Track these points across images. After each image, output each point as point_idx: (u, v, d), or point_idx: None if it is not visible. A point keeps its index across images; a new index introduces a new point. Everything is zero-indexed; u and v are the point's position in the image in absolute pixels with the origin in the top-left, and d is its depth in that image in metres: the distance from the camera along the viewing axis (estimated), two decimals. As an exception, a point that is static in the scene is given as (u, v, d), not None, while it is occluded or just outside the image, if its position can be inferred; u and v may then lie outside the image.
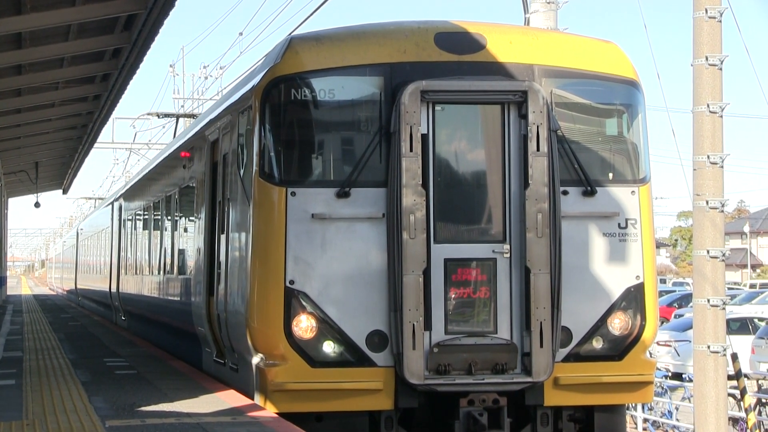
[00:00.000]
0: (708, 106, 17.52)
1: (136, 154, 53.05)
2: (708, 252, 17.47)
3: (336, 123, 11.62)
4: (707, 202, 17.52)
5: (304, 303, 10.98)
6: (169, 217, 18.84)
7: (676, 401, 23.35)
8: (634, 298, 11.53)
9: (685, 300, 44.37)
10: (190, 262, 15.89)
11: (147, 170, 23.34)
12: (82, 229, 46.54)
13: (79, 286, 46.58)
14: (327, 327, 10.99)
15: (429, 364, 10.99)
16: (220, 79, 44.94)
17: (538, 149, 11.15)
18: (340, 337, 11.01)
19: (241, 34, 38.48)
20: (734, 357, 18.08)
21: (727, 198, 17.93)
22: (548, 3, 18.32)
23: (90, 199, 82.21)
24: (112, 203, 30.89)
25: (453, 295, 11.15)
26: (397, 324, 10.90)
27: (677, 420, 22.45)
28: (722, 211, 17.76)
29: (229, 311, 12.53)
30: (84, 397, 12.44)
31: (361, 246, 11.09)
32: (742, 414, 19.88)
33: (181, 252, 17.12)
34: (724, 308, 17.72)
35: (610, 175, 11.74)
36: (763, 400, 22.09)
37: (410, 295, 10.90)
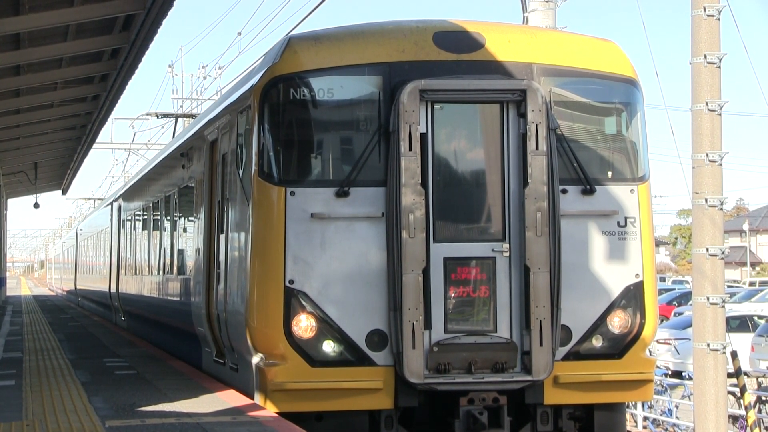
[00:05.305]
0: (707, 104, 17.51)
1: (135, 154, 53.10)
2: (707, 250, 17.46)
3: (335, 122, 11.62)
4: (706, 200, 17.51)
5: (303, 302, 10.99)
6: (168, 218, 18.85)
7: (676, 399, 23.36)
8: (633, 297, 11.53)
9: (684, 298, 44.36)
10: (190, 262, 15.89)
11: (146, 170, 23.34)
12: (81, 230, 46.54)
13: (78, 287, 46.59)
14: (327, 326, 11.00)
15: (429, 363, 10.99)
16: (218, 79, 44.89)
17: (537, 148, 11.16)
18: (340, 337, 11.01)
19: (239, 33, 38.31)
20: (734, 355, 18.08)
21: (726, 196, 17.92)
22: (547, 2, 18.32)
23: (89, 199, 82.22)
24: (111, 203, 30.89)
25: (452, 294, 11.16)
26: (396, 323, 10.90)
27: (677, 418, 22.46)
28: (721, 209, 17.75)
29: (228, 311, 12.53)
30: (84, 398, 12.45)
31: (360, 245, 11.09)
32: (742, 412, 19.87)
33: (181, 252, 17.12)
34: (723, 306, 17.70)
35: (609, 173, 11.75)
36: (763, 398, 22.09)
37: (410, 294, 10.90)
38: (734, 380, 19.01)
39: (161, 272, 19.22)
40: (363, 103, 11.42)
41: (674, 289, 52.92)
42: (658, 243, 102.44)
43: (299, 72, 11.28)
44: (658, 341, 29.73)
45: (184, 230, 17.06)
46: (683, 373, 27.87)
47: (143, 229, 23.24)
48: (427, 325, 10.99)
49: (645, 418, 22.76)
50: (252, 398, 11.70)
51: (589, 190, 11.50)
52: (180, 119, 37.01)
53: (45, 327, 28.50)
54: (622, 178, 11.74)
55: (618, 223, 11.57)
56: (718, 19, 17.59)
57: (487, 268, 11.20)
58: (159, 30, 18.36)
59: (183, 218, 17.43)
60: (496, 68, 11.39)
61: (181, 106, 47.13)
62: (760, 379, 26.32)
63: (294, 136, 11.49)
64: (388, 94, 11.17)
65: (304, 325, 10.98)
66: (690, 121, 17.87)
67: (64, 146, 36.23)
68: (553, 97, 11.49)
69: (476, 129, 11.59)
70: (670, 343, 30.90)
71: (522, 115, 11.22)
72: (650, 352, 12.04)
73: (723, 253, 17.57)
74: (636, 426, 22.54)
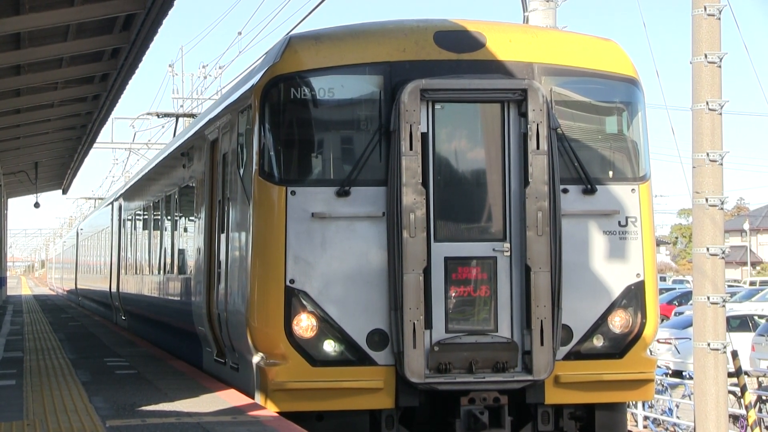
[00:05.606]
0: (707, 103, 17.50)
1: (135, 154, 53.08)
2: (708, 249, 17.46)
3: (336, 122, 11.62)
4: (707, 200, 17.50)
5: (304, 302, 10.98)
6: (169, 217, 18.84)
7: (677, 399, 23.35)
8: (634, 296, 11.52)
9: (685, 298, 44.33)
10: (190, 261, 15.89)
11: (147, 170, 23.34)
12: (82, 229, 46.55)
13: (79, 286, 46.58)
14: (327, 326, 10.99)
15: (430, 363, 10.98)
16: (219, 78, 44.96)
17: (538, 147, 11.15)
18: (341, 336, 11.01)
19: (240, 33, 38.35)
20: (734, 354, 18.07)
21: (727, 195, 17.90)
22: (547, 1, 18.32)
23: (90, 199, 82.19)
24: (111, 203, 30.90)
25: (453, 294, 11.15)
26: (397, 323, 10.90)
27: (678, 417, 22.46)
28: (722, 209, 17.74)
29: (229, 311, 12.53)
30: (84, 397, 12.44)
31: (361, 245, 11.08)
32: (743, 411, 19.87)
33: (181, 252, 17.12)
34: (724, 306, 17.69)
35: (610, 173, 11.74)
36: (764, 398, 22.08)
37: (410, 293, 10.90)
38: (735, 380, 19.01)
39: (162, 272, 19.22)
40: (364, 102, 11.41)
41: (675, 289, 52.90)
42: (659, 242, 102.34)
43: (300, 71, 11.28)
44: (658, 341, 29.70)
45: (185, 230, 17.06)
46: (684, 373, 27.85)
47: (144, 228, 23.24)
48: (428, 324, 10.98)
49: (645, 418, 22.76)
50: (252, 398, 11.70)
51: (590, 190, 11.50)
52: (180, 119, 37.00)
53: (45, 327, 28.50)
54: (623, 177, 11.73)
55: (619, 222, 11.57)
56: (719, 19, 17.58)
57: (487, 268, 11.19)
58: (159, 30, 18.37)
59: (183, 218, 17.43)
60: (496, 68, 11.38)
61: (182, 106, 47.15)
62: (760, 379, 26.30)
63: (295, 136, 11.48)
64: (389, 94, 11.16)
65: (304, 324, 10.98)
66: (690, 121, 17.86)
67: (64, 146, 36.22)
68: (554, 97, 11.49)
69: (477, 128, 11.58)
70: (670, 343, 30.89)
71: (523, 114, 11.21)
72: (650, 351, 12.03)
73: (723, 252, 17.56)
74: (636, 425, 22.53)
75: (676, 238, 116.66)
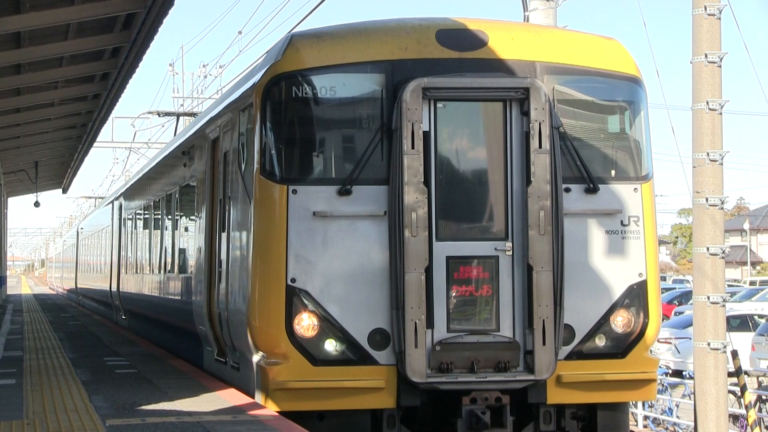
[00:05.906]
0: (707, 103, 17.48)
1: (135, 153, 53.09)
2: (708, 249, 17.44)
3: (337, 120, 11.59)
4: (707, 200, 17.48)
5: (305, 301, 10.96)
6: (169, 216, 18.83)
7: (677, 398, 23.35)
8: (636, 296, 11.51)
9: (685, 297, 44.33)
10: (191, 260, 15.87)
11: (147, 169, 23.32)
12: (82, 229, 46.53)
13: (79, 286, 46.57)
14: (328, 325, 10.97)
15: (431, 362, 10.96)
16: (219, 77, 44.99)
17: (540, 146, 11.13)
18: (342, 336, 10.99)
19: (240, 32, 38.28)
20: (734, 354, 18.06)
21: (727, 195, 17.89)
22: (547, 0, 18.29)
23: (90, 198, 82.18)
24: (112, 202, 30.87)
25: (455, 293, 11.13)
26: (399, 322, 10.88)
27: (678, 417, 22.45)
28: (722, 209, 17.72)
29: (230, 310, 12.51)
30: (84, 397, 12.43)
31: (362, 244, 11.06)
32: (743, 411, 19.86)
33: (182, 251, 17.10)
34: (724, 305, 17.67)
35: (613, 172, 11.72)
36: (764, 397, 22.07)
37: (412, 293, 10.87)
38: (735, 379, 19.00)
39: (162, 271, 19.20)
40: (365, 101, 11.38)
41: (675, 288, 52.89)
42: (659, 242, 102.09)
43: (301, 70, 11.25)
44: (658, 340, 29.67)
45: (186, 229, 17.04)
46: (684, 372, 27.86)
47: (144, 227, 23.22)
48: (430, 324, 10.96)
49: (645, 417, 22.76)
50: (253, 397, 11.68)
51: (592, 189, 11.48)
52: (181, 118, 36.98)
53: (45, 326, 28.49)
54: (625, 176, 11.71)
55: (621, 222, 11.55)
56: (719, 18, 17.56)
57: (489, 267, 11.17)
58: (160, 29, 18.34)
59: (184, 217, 17.41)
60: (499, 66, 11.36)
61: (182, 105, 47.12)
62: (760, 378, 26.29)
63: (296, 134, 11.46)
64: (391, 92, 11.14)
65: (305, 323, 10.96)
66: (691, 120, 17.85)
67: (64, 145, 36.20)
68: (557, 96, 11.47)
69: (479, 127, 11.56)
70: (670, 343, 30.88)
71: (525, 113, 11.19)
72: (651, 351, 12.01)
73: (723, 252, 17.54)
74: (636, 425, 22.53)
75: (677, 237, 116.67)
